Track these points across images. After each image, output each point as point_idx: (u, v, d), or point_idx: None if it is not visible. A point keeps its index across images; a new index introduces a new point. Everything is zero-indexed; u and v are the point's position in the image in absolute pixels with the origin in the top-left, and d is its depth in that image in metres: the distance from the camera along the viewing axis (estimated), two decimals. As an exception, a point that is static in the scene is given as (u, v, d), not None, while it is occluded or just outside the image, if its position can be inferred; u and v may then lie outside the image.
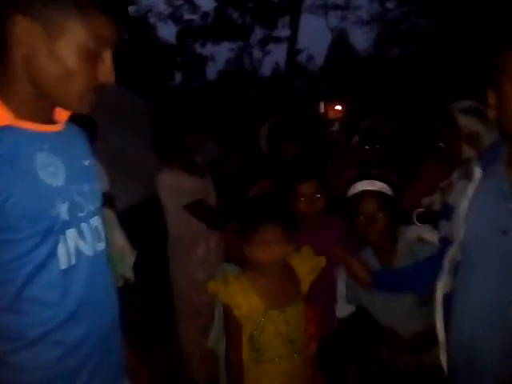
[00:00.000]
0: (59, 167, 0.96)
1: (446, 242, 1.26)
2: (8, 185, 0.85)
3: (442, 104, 2.43)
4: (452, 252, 1.22)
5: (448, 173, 1.97)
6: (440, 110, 2.38)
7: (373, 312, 1.80)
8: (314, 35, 17.61)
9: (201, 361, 2.38)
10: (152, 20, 16.81)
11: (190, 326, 2.39)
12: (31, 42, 0.87)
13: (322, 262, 1.70)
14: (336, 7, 17.37)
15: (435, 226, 1.61)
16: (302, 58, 18.28)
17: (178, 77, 17.87)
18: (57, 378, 0.95)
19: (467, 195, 1.20)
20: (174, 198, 2.29)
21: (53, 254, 0.92)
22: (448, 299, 1.23)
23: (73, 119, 1.06)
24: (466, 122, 2.11)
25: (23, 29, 0.86)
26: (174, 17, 18.04)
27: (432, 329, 1.29)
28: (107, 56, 0.94)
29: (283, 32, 17.60)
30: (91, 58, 0.91)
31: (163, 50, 16.01)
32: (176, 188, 2.28)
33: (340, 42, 18.47)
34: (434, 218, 1.46)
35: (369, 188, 1.79)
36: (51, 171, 0.94)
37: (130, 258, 2.74)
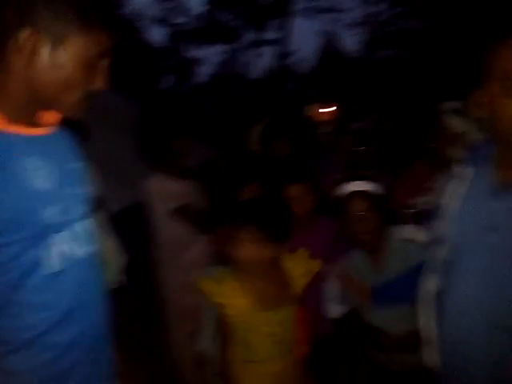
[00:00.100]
0: (50, 170, 0.96)
1: (437, 242, 1.27)
2: None
3: (430, 105, 2.45)
4: (441, 251, 1.23)
5: (436, 173, 1.99)
6: (427, 111, 2.40)
7: (364, 313, 1.81)
8: (305, 38, 17.67)
9: (194, 365, 2.37)
10: (142, 23, 16.77)
11: (181, 330, 2.38)
12: (34, 51, 0.89)
13: (316, 265, 1.71)
14: (326, 10, 17.45)
15: (426, 226, 1.63)
16: (292, 60, 18.31)
17: (169, 80, 17.83)
18: (49, 380, 0.95)
19: (457, 195, 1.21)
20: (162, 203, 2.29)
21: (43, 257, 0.92)
22: (438, 298, 1.24)
23: (65, 123, 1.07)
24: (454, 123, 2.13)
25: (28, 38, 0.88)
26: (165, 20, 18.02)
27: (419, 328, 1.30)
28: (104, 65, 0.98)
29: (274, 35, 17.65)
30: (90, 67, 0.94)
31: (152, 53, 15.96)
32: (164, 193, 2.28)
33: (329, 45, 18.56)
34: (425, 218, 1.47)
35: (358, 188, 1.80)
36: (41, 174, 0.94)
37: (121, 261, 2.72)
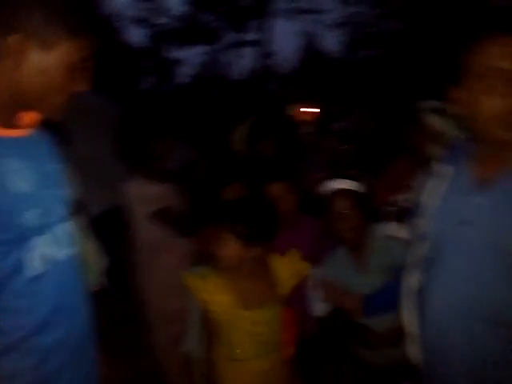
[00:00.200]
0: (29, 173, 0.95)
1: (417, 238, 1.29)
2: None
3: (410, 104, 2.48)
4: (422, 248, 1.25)
5: (415, 171, 2.01)
6: (406, 110, 2.43)
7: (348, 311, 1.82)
8: (286, 39, 17.73)
9: (180, 366, 2.36)
10: (122, 23, 16.62)
11: (163, 331, 2.37)
12: (23, 55, 0.91)
13: (306, 267, 1.72)
14: (306, 11, 17.53)
15: (407, 224, 1.65)
16: (274, 61, 18.35)
17: (149, 81, 17.70)
18: None
19: (436, 192, 1.23)
20: (142, 206, 2.27)
21: (25, 260, 0.91)
22: (419, 294, 1.26)
23: (45, 124, 1.06)
24: (433, 122, 2.17)
25: (17, 43, 0.89)
26: (145, 20, 17.89)
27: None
28: (88, 68, 1.00)
29: (255, 36, 17.66)
30: (74, 70, 0.97)
31: (132, 53, 15.83)
32: (143, 196, 2.26)
33: (310, 45, 18.66)
34: (407, 215, 1.49)
35: (341, 187, 1.82)
36: (21, 177, 0.93)
37: (102, 263, 2.70)
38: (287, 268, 1.69)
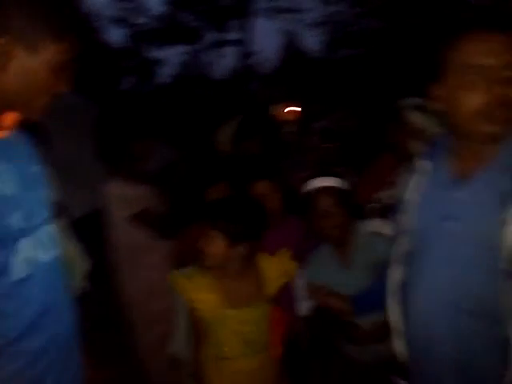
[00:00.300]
0: (10, 174, 0.94)
1: (400, 234, 1.30)
2: None
3: (390, 102, 2.50)
4: (402, 242, 1.27)
5: (398, 168, 2.04)
6: (389, 107, 2.46)
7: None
8: (267, 38, 17.75)
9: (167, 367, 2.34)
10: (100, 23, 16.43)
11: (148, 334, 2.35)
12: (9, 57, 0.91)
13: (294, 267, 1.72)
14: (287, 10, 17.58)
15: (391, 220, 1.66)
16: (255, 60, 18.36)
17: (130, 81, 17.54)
18: None
19: (416, 187, 1.24)
20: (122, 208, 2.24)
21: (7, 264, 0.90)
22: (403, 288, 1.27)
23: (24, 126, 1.04)
24: (414, 119, 2.19)
25: (4, 45, 0.90)
26: (124, 20, 17.72)
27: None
28: (70, 68, 1.01)
29: (235, 35, 17.65)
30: (58, 71, 0.98)
31: (111, 53, 15.66)
32: (123, 197, 2.24)
33: (291, 45, 18.71)
34: (390, 211, 1.51)
35: (324, 184, 1.83)
36: (4, 179, 0.91)
37: (84, 266, 2.66)
38: (275, 267, 1.69)
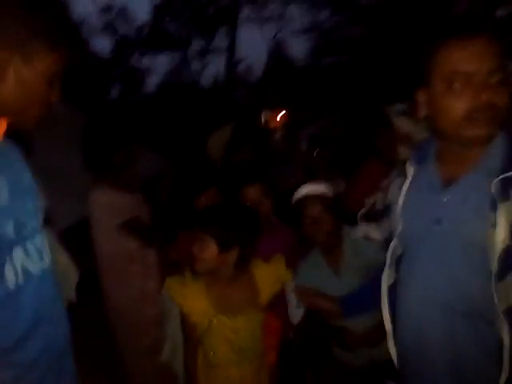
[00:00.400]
0: (2, 184, 0.93)
1: (389, 237, 1.31)
2: None
3: (376, 108, 2.54)
4: (392, 246, 1.28)
5: (387, 173, 2.06)
6: (376, 113, 2.49)
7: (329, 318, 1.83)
8: (253, 46, 17.83)
9: (155, 378, 2.32)
10: (85, 33, 16.38)
11: (145, 338, 2.32)
12: (6, 68, 0.92)
13: (289, 274, 1.72)
14: (272, 18, 17.71)
15: (379, 224, 1.68)
16: (241, 68, 18.41)
17: (117, 90, 17.47)
18: None
19: (403, 191, 1.26)
20: (109, 216, 2.22)
21: (1, 273, 0.89)
22: (393, 290, 1.28)
23: (9, 135, 1.03)
24: (402, 124, 2.22)
25: (2, 57, 0.91)
26: (109, 30, 17.68)
27: (382, 322, 1.33)
28: (59, 78, 1.02)
29: (221, 43, 17.70)
30: (52, 82, 0.99)
31: (98, 62, 15.61)
32: (110, 206, 2.22)
33: (277, 53, 18.81)
34: (379, 216, 1.52)
35: (312, 192, 1.84)
36: None
37: (74, 277, 2.63)
38: (269, 274, 1.68)
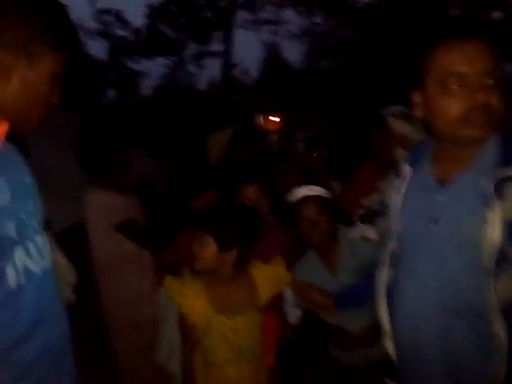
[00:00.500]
0: (3, 185, 0.94)
1: (385, 237, 1.32)
2: None
3: (373, 110, 2.55)
4: (389, 246, 1.29)
5: (383, 174, 2.08)
6: (372, 115, 2.51)
7: (320, 312, 1.84)
8: (248, 49, 17.88)
9: (150, 378, 2.32)
10: (81, 35, 16.35)
11: (143, 337, 2.32)
12: (9, 69, 0.93)
13: (288, 276, 1.73)
14: (267, 22, 17.77)
15: (376, 225, 1.69)
16: (237, 71, 18.45)
17: (112, 93, 17.47)
18: None
19: (399, 191, 1.28)
20: (104, 217, 2.23)
21: (1, 274, 0.90)
22: (390, 290, 1.29)
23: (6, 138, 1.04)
24: (398, 126, 2.25)
25: (4, 57, 0.92)
26: (105, 33, 17.68)
27: (378, 322, 1.34)
28: (61, 79, 1.03)
29: (217, 47, 17.73)
30: (53, 82, 1.00)
31: (93, 66, 15.60)
32: (105, 207, 2.22)
33: (272, 56, 18.88)
34: (375, 216, 1.54)
35: (309, 193, 1.85)
36: None
37: (72, 279, 2.63)
38: (269, 276, 1.69)
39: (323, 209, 1.84)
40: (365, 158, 2.65)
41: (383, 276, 1.31)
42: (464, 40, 1.12)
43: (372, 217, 1.95)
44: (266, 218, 2.03)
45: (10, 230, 0.92)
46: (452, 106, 1.11)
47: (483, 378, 1.08)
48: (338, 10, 14.16)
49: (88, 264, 2.44)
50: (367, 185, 2.30)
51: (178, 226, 2.18)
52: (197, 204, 2.19)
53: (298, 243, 1.94)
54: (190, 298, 1.58)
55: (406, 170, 1.28)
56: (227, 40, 16.75)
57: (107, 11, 17.31)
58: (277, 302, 1.76)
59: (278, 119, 10.07)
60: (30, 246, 0.98)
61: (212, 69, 18.06)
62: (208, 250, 1.57)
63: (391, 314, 1.29)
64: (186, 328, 1.64)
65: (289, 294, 1.82)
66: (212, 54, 17.97)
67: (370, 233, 1.79)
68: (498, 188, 1.06)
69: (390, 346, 1.31)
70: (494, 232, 1.04)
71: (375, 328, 1.51)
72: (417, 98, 1.21)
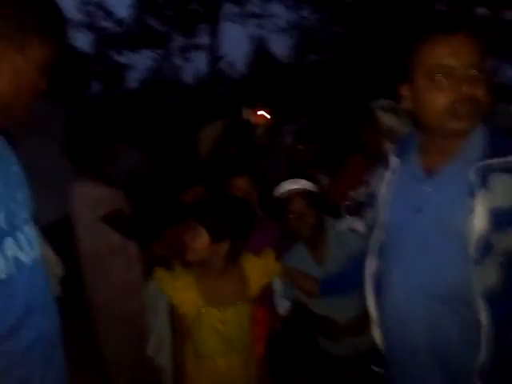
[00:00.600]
0: None
1: (373, 227, 1.34)
2: None
3: (361, 104, 2.57)
4: (375, 235, 1.31)
5: (370, 167, 2.09)
6: (360, 109, 2.52)
7: (308, 302, 1.86)
8: (235, 43, 17.79)
9: (139, 370, 2.32)
10: (67, 28, 16.08)
11: (119, 336, 2.32)
12: (1, 56, 0.92)
13: (278, 268, 1.74)
14: (254, 15, 17.69)
15: (364, 216, 1.71)
16: (224, 65, 18.35)
17: (98, 86, 17.25)
18: None
19: (385, 182, 1.30)
20: (90, 209, 2.22)
21: None
22: (378, 280, 1.31)
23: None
24: (386, 119, 2.27)
25: (3, 49, 0.92)
26: (90, 25, 17.43)
27: (366, 311, 1.36)
28: (50, 69, 1.03)
29: (203, 40, 17.61)
30: (43, 70, 1.00)
31: (78, 58, 15.40)
32: (92, 199, 2.22)
33: (260, 50, 18.82)
34: (361, 208, 1.56)
35: (296, 187, 1.86)
36: None
37: (59, 271, 2.62)
38: (259, 267, 1.70)
39: (310, 202, 1.85)
40: (353, 152, 2.66)
41: (372, 266, 1.33)
42: (450, 34, 1.14)
43: (359, 209, 1.97)
44: (256, 210, 2.03)
45: (1, 219, 0.91)
46: (439, 98, 1.13)
47: (470, 365, 1.11)
48: (326, 4, 14.15)
49: (75, 257, 2.43)
50: (355, 178, 2.32)
51: (167, 219, 2.18)
52: (186, 198, 2.19)
53: (286, 236, 1.95)
54: (181, 291, 1.59)
55: (394, 161, 1.31)
56: (214, 33, 16.66)
57: (91, 2, 17.09)
58: (267, 294, 1.77)
59: (265, 113, 10.07)
60: (20, 236, 0.98)
61: (198, 62, 17.93)
62: (200, 240, 1.57)
63: (379, 303, 1.31)
64: (176, 319, 1.64)
65: (278, 286, 1.83)
66: (198, 47, 17.86)
67: (358, 225, 1.80)
68: (482, 177, 1.08)
69: (377, 334, 1.33)
70: (479, 221, 1.06)
71: (362, 318, 1.53)
72: (405, 91, 1.23)
